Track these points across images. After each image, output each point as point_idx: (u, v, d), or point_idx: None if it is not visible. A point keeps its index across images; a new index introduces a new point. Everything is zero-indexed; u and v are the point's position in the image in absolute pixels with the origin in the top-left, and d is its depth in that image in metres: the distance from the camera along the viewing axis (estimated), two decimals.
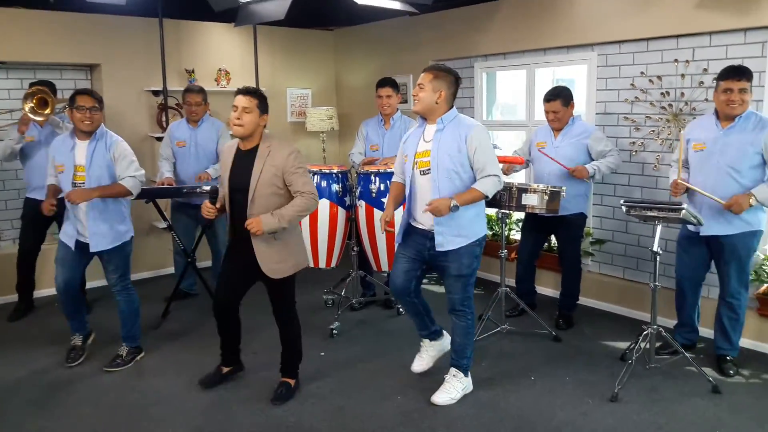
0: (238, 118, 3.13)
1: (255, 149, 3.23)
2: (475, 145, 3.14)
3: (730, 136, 3.46)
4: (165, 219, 4.83)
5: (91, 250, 3.70)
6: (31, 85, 4.72)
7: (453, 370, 3.43)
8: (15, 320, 4.76)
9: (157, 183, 4.83)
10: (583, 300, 4.77)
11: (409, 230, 3.39)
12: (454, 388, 3.39)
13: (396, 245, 3.50)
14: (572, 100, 4.24)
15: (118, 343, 3.97)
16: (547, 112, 4.26)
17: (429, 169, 3.20)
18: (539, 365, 3.81)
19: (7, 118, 4.95)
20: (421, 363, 3.64)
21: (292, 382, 3.51)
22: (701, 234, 3.58)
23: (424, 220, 3.28)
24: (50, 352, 4.10)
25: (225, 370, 3.62)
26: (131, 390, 3.60)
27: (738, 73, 3.40)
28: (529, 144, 4.52)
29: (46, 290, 5.18)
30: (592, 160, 4.22)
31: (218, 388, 3.56)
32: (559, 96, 4.19)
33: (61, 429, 3.17)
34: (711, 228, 3.53)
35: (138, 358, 3.98)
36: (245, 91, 3.16)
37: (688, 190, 3.59)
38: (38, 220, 4.49)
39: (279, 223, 3.12)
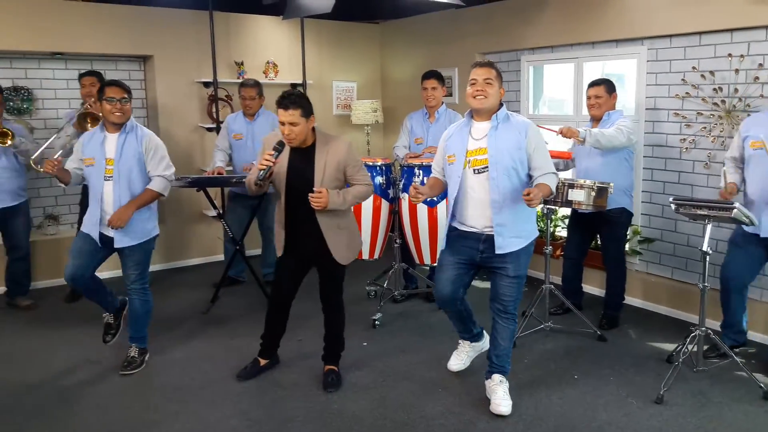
0: (288, 134, 3.15)
1: (312, 146, 3.29)
2: (534, 143, 3.09)
3: None
4: (215, 207, 4.96)
5: (116, 245, 3.61)
6: (81, 76, 4.89)
7: (499, 377, 3.27)
8: (72, 301, 4.96)
9: (208, 172, 4.96)
10: (629, 300, 4.69)
11: (456, 235, 3.25)
12: (507, 393, 3.25)
13: (439, 252, 3.43)
14: (615, 91, 4.24)
15: (169, 332, 4.10)
16: (589, 97, 4.26)
17: (486, 167, 3.07)
18: (583, 364, 3.78)
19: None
20: (459, 362, 3.64)
21: (337, 368, 3.59)
22: (762, 236, 3.47)
23: (476, 222, 3.15)
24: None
25: (263, 362, 3.67)
26: (181, 373, 3.72)
27: None
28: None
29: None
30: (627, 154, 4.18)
31: (264, 375, 3.64)
32: (604, 82, 4.23)
33: (115, 406, 3.32)
34: None
35: (146, 358, 3.85)
36: (286, 105, 3.10)
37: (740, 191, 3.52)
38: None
39: (343, 202, 3.25)
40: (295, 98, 3.13)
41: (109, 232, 3.59)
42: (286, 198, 3.32)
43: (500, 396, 3.22)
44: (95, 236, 3.60)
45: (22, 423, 3.16)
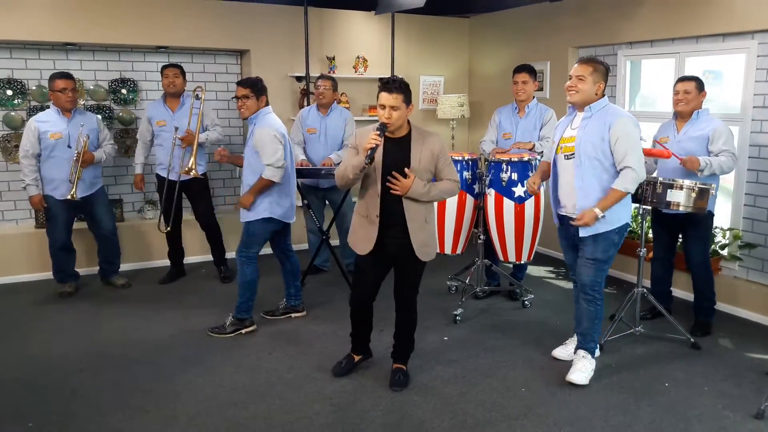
0: (388, 117, 3.13)
1: (407, 136, 3.28)
2: (617, 135, 3.24)
3: None
4: (303, 198, 5.09)
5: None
6: (163, 68, 5.11)
7: (582, 352, 3.53)
8: (166, 283, 5.24)
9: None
10: (725, 307, 4.45)
11: (561, 217, 3.57)
12: (586, 367, 3.47)
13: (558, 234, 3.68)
14: (704, 90, 4.05)
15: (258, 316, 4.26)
16: (677, 92, 4.08)
17: (573, 154, 3.35)
18: (674, 372, 3.62)
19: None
20: (564, 352, 3.77)
21: (406, 367, 3.54)
22: None
23: (566, 204, 3.47)
24: (199, 313, 4.49)
25: (357, 358, 3.66)
26: (268, 355, 3.86)
27: None
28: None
29: (194, 257, 5.71)
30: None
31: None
32: (696, 79, 4.07)
33: (205, 383, 3.48)
34: None
35: (243, 331, 4.13)
36: (389, 89, 3.11)
37: None
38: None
39: (427, 193, 3.20)
40: (399, 83, 3.14)
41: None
42: (381, 188, 3.24)
43: (576, 367, 3.47)
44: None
45: (125, 397, 3.38)
